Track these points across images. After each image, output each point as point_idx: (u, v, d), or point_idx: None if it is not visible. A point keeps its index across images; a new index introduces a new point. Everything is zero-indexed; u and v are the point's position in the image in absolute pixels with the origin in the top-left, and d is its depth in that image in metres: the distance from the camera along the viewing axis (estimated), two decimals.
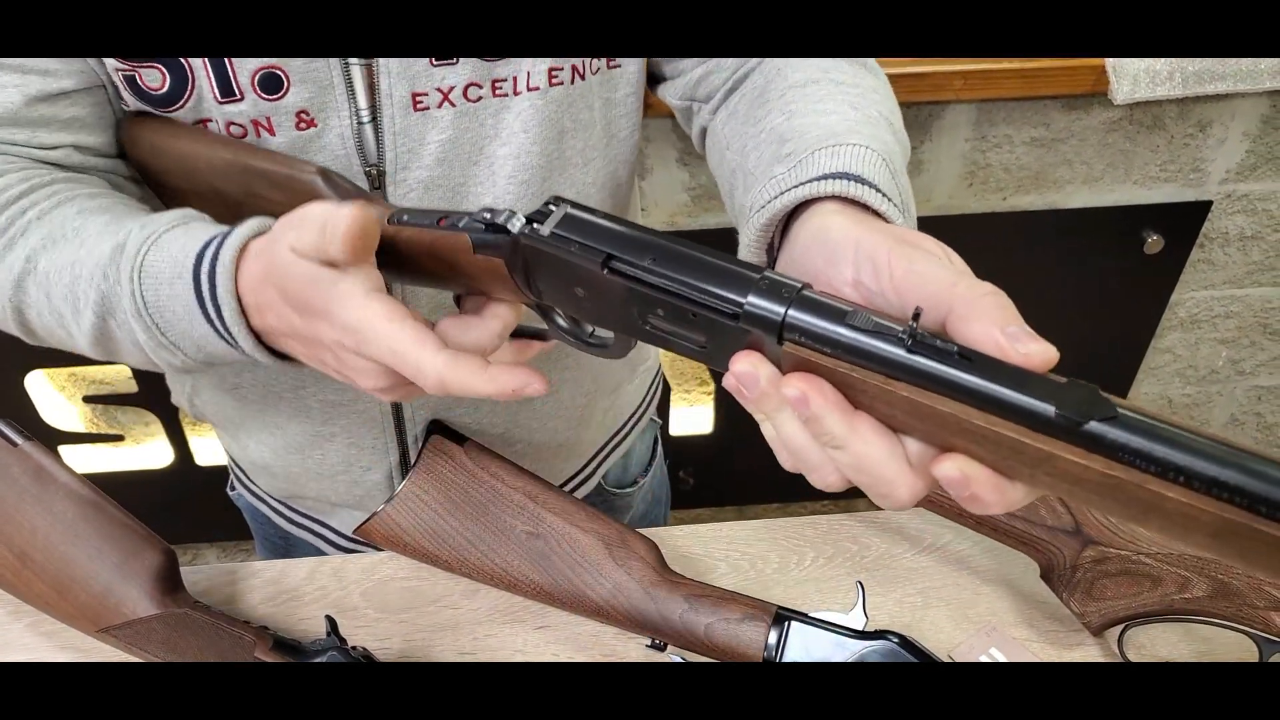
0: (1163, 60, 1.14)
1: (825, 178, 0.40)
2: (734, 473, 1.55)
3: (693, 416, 1.51)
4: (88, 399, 1.35)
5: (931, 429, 0.31)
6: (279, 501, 0.76)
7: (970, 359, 0.29)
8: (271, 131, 0.51)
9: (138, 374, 1.31)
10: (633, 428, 0.82)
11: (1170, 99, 1.18)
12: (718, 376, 1.41)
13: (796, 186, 0.41)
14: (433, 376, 0.40)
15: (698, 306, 0.34)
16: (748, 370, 0.34)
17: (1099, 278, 1.38)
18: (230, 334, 0.44)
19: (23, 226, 0.49)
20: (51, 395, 1.35)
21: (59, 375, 1.34)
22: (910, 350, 0.30)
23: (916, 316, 0.30)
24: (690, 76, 0.59)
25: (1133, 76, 1.14)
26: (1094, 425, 0.27)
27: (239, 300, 0.43)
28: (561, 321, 0.43)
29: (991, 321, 0.30)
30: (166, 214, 0.48)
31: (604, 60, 0.57)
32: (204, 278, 0.44)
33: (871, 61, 0.55)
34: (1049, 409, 0.28)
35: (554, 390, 0.69)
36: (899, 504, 0.33)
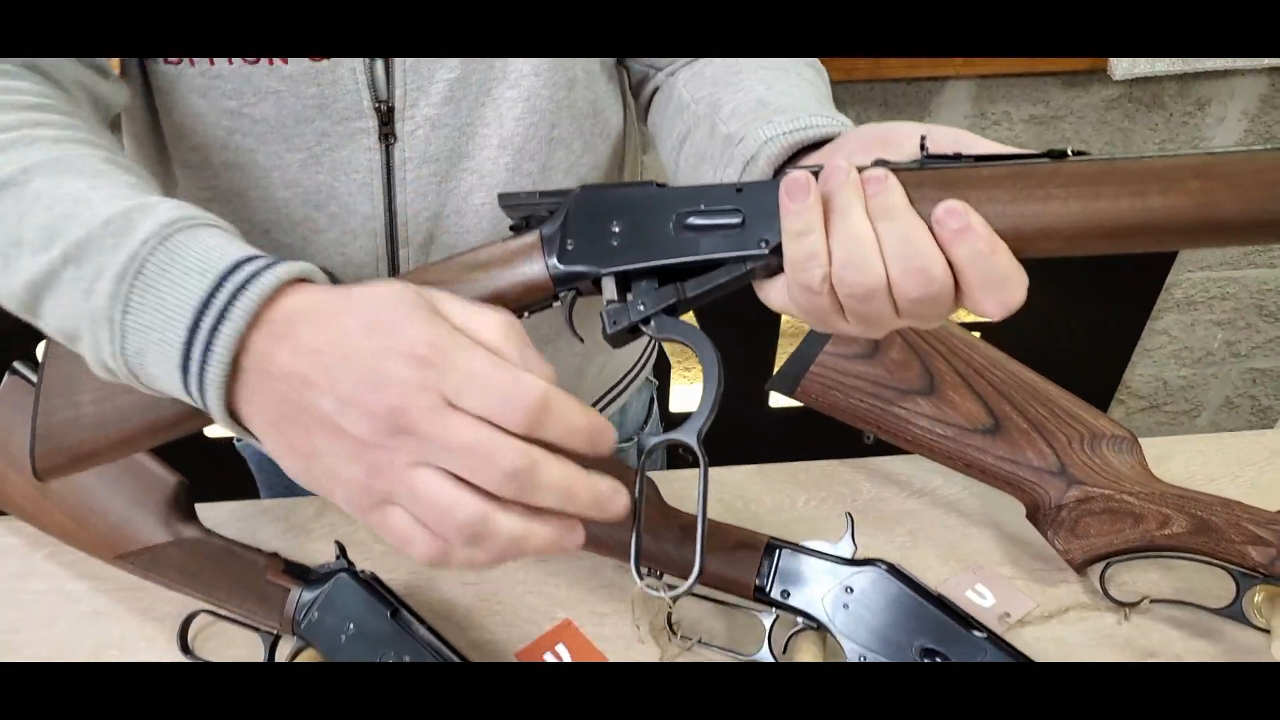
0: None
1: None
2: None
3: (692, 394, 1.53)
4: None
5: (955, 193, 0.39)
6: None
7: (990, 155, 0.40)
8: (284, 60, 0.53)
9: None
10: (628, 385, 0.84)
11: (1170, 75, 1.20)
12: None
13: (815, 128, 0.47)
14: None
15: (745, 184, 0.42)
16: (841, 164, 0.39)
17: (1096, 257, 1.39)
18: (207, 350, 0.37)
19: (31, 137, 0.44)
20: None
21: None
22: (925, 160, 0.40)
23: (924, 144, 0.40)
24: None
25: None
26: (1073, 155, 0.38)
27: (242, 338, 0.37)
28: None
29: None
30: (202, 211, 0.42)
31: None
32: (225, 289, 0.37)
33: (818, 62, 0.61)
34: (1043, 156, 0.39)
35: (551, 342, 0.72)
36: (931, 284, 0.38)
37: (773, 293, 0.42)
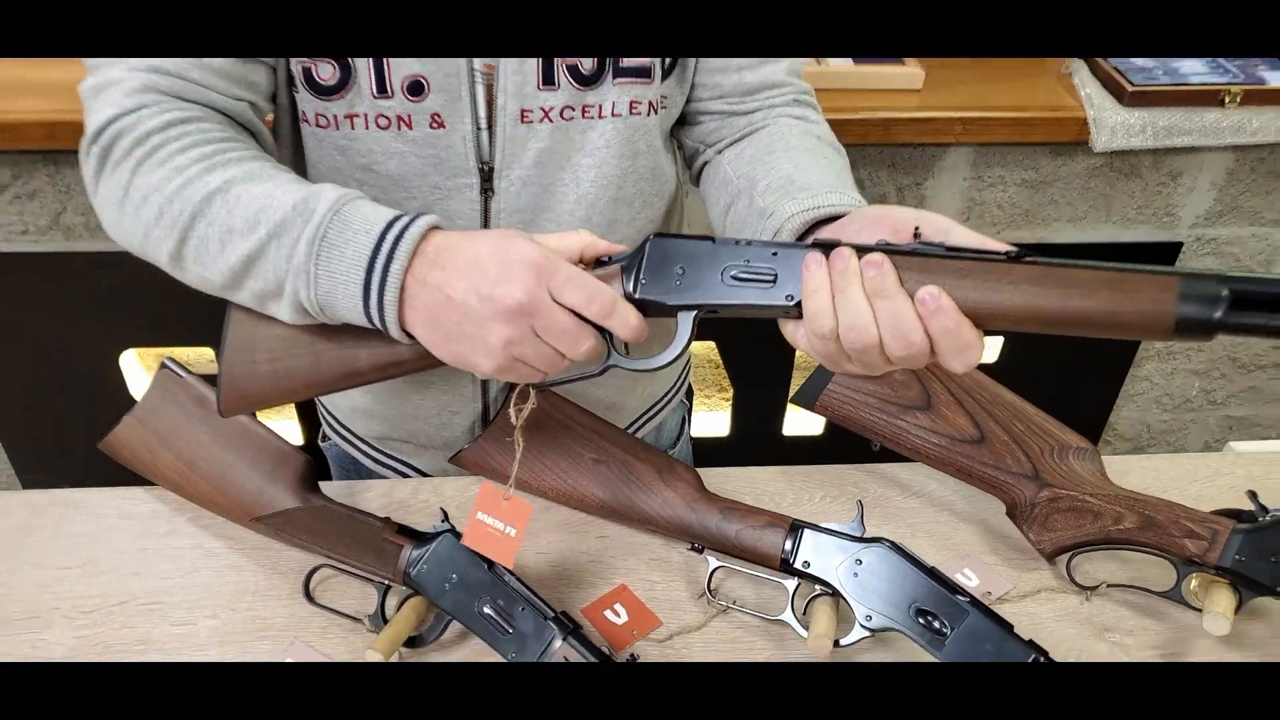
0: (1136, 115, 1.30)
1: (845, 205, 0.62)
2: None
3: (712, 420, 1.66)
4: None
5: (933, 278, 0.51)
6: (368, 444, 0.91)
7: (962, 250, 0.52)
8: (410, 127, 0.67)
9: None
10: (666, 404, 0.97)
11: (1145, 149, 1.35)
12: (737, 384, 1.56)
13: (831, 205, 0.61)
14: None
15: (779, 246, 0.54)
16: (844, 251, 0.52)
17: None
18: (384, 281, 0.54)
19: (225, 160, 0.60)
20: (141, 374, 1.50)
21: (149, 355, 1.49)
22: (918, 245, 0.52)
23: (917, 232, 0.52)
24: (706, 126, 0.78)
25: (1110, 128, 1.30)
26: (1028, 258, 0.51)
27: (409, 263, 0.55)
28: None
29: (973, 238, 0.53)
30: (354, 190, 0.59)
31: (660, 100, 0.73)
32: (388, 240, 0.55)
33: (838, 143, 0.75)
34: (1002, 255, 0.51)
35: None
36: (911, 347, 0.50)
37: (798, 336, 0.56)
